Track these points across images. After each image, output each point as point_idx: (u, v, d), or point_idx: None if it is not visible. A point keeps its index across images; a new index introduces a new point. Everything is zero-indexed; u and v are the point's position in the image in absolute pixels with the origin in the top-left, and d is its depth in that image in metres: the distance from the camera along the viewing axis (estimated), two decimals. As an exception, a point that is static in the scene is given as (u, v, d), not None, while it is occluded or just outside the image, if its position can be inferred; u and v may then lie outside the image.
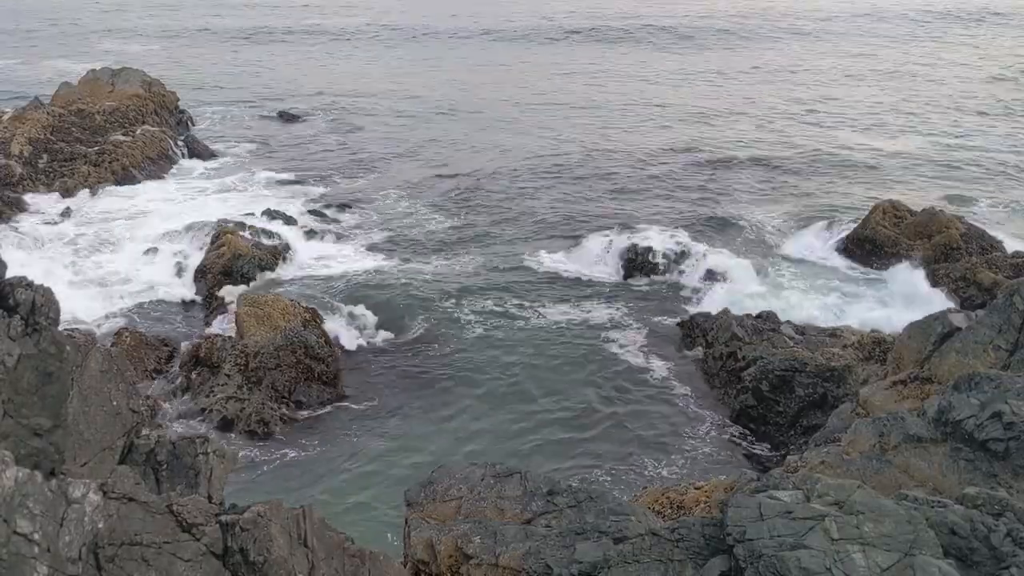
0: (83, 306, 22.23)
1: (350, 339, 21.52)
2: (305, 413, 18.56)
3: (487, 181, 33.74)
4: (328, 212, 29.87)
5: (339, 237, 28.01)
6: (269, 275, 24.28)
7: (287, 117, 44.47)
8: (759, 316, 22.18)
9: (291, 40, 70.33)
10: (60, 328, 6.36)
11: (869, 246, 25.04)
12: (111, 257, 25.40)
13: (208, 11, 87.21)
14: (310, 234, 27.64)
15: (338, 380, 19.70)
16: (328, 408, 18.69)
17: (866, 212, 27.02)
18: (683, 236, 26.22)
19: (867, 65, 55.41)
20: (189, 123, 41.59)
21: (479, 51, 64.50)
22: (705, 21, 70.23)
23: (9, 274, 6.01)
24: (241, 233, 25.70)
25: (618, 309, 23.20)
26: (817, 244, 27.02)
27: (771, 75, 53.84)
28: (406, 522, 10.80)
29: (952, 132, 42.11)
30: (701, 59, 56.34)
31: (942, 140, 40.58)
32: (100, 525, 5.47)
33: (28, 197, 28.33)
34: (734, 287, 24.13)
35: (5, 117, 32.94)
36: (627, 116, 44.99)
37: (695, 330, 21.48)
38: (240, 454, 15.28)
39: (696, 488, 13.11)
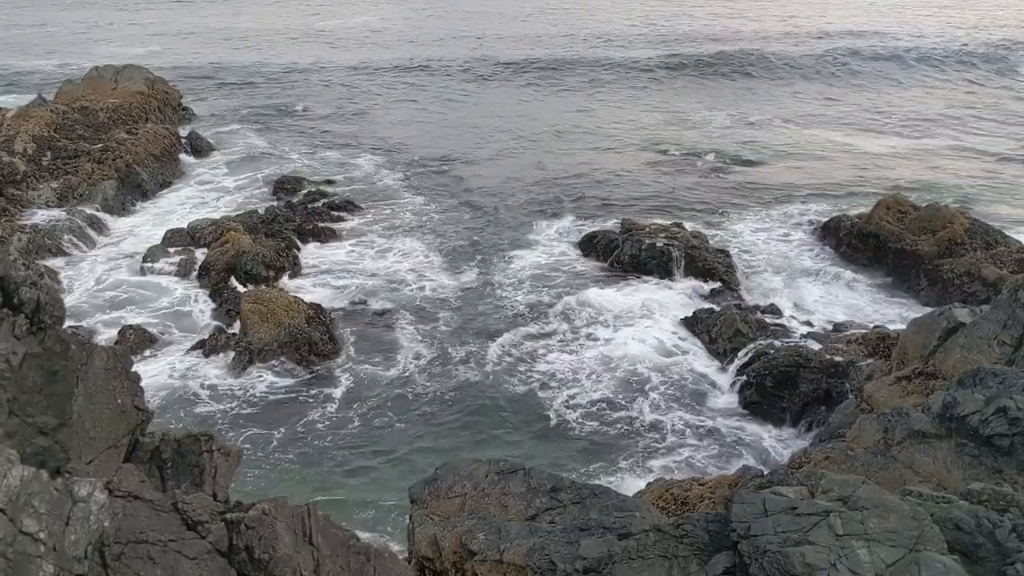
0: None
1: (354, 335, 21.53)
2: (308, 409, 18.57)
3: (496, 181, 33.63)
4: (332, 211, 29.85)
5: (342, 235, 28.01)
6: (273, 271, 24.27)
7: (290, 113, 44.46)
8: (763, 311, 22.18)
9: (292, 37, 70.26)
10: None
11: (873, 241, 24.97)
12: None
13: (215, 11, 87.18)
14: (314, 231, 27.65)
15: (342, 377, 19.73)
16: (332, 405, 18.70)
17: (867, 208, 27.02)
18: (683, 233, 26.16)
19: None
20: (192, 120, 41.60)
21: (486, 56, 64.40)
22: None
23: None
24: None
25: (620, 308, 23.18)
26: (820, 240, 26.96)
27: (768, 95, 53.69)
28: (410, 518, 10.83)
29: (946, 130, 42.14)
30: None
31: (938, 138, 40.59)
32: (106, 523, 5.48)
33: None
34: (735, 283, 24.08)
35: (9, 115, 32.95)
36: (628, 125, 44.97)
37: (699, 326, 21.46)
38: (244, 452, 15.30)
39: (700, 484, 13.12)
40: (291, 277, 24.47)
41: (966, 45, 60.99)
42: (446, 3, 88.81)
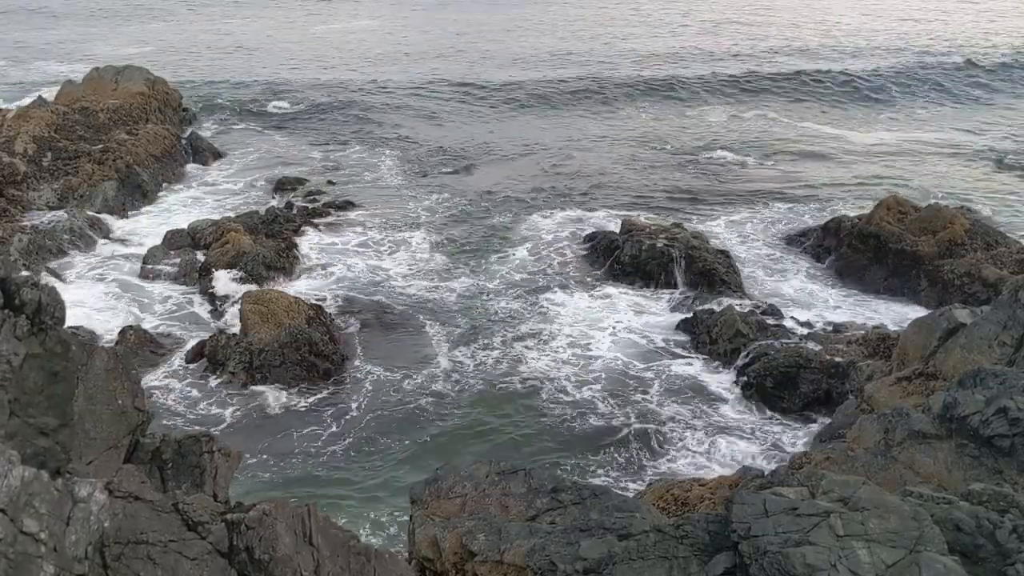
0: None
1: (354, 335, 21.55)
2: (309, 409, 18.58)
3: (497, 184, 33.52)
4: (334, 210, 29.87)
5: (345, 235, 28.02)
6: (273, 272, 24.28)
7: (290, 115, 44.41)
8: (763, 312, 22.19)
9: (292, 41, 70.26)
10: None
11: (873, 242, 24.95)
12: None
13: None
14: (315, 231, 27.67)
15: (342, 377, 19.75)
16: (332, 406, 18.71)
17: (868, 208, 27.02)
18: (684, 234, 26.15)
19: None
20: (192, 121, 41.61)
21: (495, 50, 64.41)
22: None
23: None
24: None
25: (620, 306, 23.19)
26: (820, 240, 26.93)
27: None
28: (411, 519, 10.83)
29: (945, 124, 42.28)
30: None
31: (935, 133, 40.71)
32: (106, 524, 5.48)
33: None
34: (734, 283, 24.06)
35: (9, 115, 32.94)
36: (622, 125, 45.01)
37: (699, 326, 21.46)
38: (243, 453, 15.32)
39: (700, 485, 13.12)
40: (291, 277, 24.49)
41: (965, 53, 60.92)
42: (445, 9, 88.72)
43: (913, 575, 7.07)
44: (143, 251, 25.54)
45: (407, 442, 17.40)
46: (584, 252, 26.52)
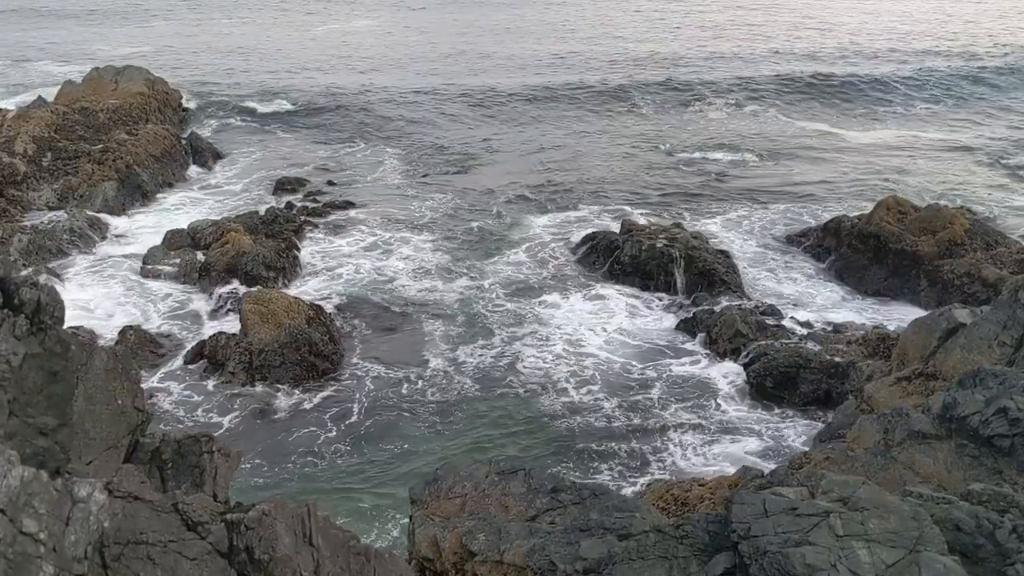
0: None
1: (354, 336, 21.54)
2: (309, 409, 18.58)
3: (497, 185, 33.52)
4: (334, 210, 29.88)
5: (345, 235, 28.03)
6: (273, 272, 24.28)
7: (291, 115, 44.38)
8: (763, 312, 22.19)
9: (291, 41, 70.23)
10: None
11: (873, 242, 24.96)
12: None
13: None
14: (315, 231, 27.66)
15: (342, 377, 19.74)
16: (332, 406, 18.71)
17: (868, 208, 27.01)
18: (683, 234, 26.14)
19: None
20: (192, 121, 41.61)
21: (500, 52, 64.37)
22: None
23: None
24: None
25: (620, 306, 23.19)
26: (820, 240, 26.93)
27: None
28: (411, 519, 10.83)
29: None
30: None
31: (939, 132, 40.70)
32: (106, 524, 5.47)
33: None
34: (734, 283, 24.05)
35: (9, 115, 32.94)
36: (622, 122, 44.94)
37: (699, 326, 21.46)
38: (243, 453, 15.30)
39: (700, 485, 13.11)
40: (291, 277, 24.50)
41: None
42: (445, 10, 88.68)
43: (913, 575, 7.07)
44: (143, 251, 25.54)
45: (407, 442, 17.40)
46: (584, 252, 26.50)
